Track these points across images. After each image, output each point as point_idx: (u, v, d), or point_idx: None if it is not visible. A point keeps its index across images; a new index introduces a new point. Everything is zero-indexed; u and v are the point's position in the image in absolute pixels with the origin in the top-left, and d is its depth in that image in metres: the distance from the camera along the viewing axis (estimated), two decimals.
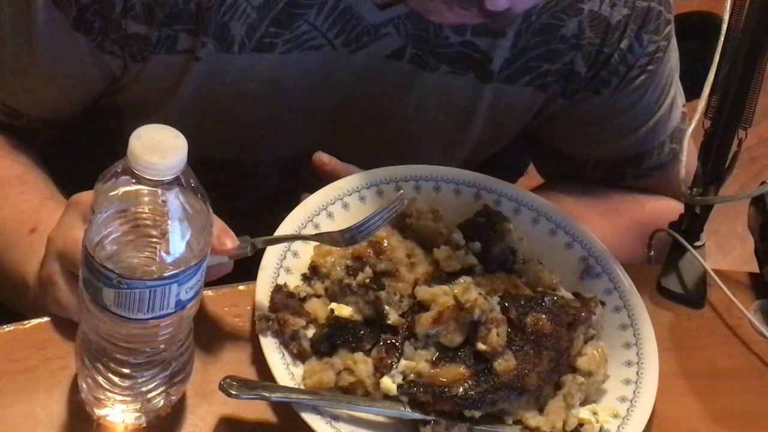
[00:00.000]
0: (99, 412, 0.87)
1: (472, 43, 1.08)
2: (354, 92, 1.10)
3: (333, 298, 0.96)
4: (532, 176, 1.33)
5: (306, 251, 0.99)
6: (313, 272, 0.98)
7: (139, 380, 0.84)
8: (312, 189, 1.03)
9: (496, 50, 1.09)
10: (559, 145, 1.22)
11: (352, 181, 1.03)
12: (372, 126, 1.13)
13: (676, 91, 1.19)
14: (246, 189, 1.19)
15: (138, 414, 0.87)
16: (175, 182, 0.76)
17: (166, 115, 1.07)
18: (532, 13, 1.07)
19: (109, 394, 0.85)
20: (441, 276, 0.97)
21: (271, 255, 0.97)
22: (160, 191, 0.76)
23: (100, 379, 0.85)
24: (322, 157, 1.05)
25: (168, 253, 0.78)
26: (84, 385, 0.86)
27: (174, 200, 0.77)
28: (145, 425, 0.88)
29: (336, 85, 1.09)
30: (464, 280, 0.96)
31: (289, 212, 1.00)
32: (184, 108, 1.08)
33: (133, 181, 0.76)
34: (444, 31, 1.07)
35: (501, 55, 1.09)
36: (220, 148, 1.13)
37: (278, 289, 0.95)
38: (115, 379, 0.84)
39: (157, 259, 0.78)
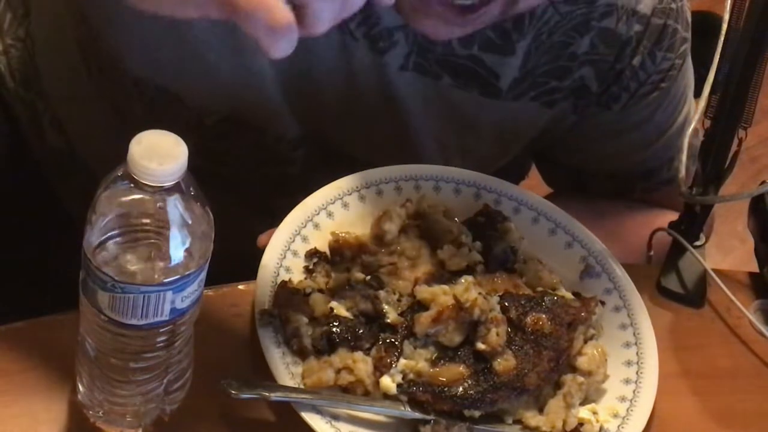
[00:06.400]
0: (96, 415, 0.87)
1: (479, 58, 1.08)
2: (366, 89, 1.09)
3: (333, 293, 0.96)
4: (532, 178, 1.33)
5: (306, 250, 0.99)
6: (318, 258, 0.98)
7: (136, 386, 0.84)
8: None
9: (505, 68, 1.08)
10: (569, 160, 1.22)
11: (352, 180, 1.04)
12: (381, 125, 1.12)
13: (690, 107, 1.18)
14: (259, 164, 1.17)
15: (134, 420, 0.87)
16: (175, 189, 0.76)
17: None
18: (543, 32, 1.07)
19: (106, 399, 0.85)
20: (443, 276, 0.97)
21: (272, 254, 0.97)
22: (159, 197, 0.76)
23: (97, 382, 0.85)
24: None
25: (165, 259, 0.78)
26: (81, 388, 0.86)
27: (173, 207, 0.77)
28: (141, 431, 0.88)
29: (350, 75, 1.08)
30: (465, 279, 0.96)
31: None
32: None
33: (133, 186, 0.76)
34: (452, 43, 1.06)
35: (510, 74, 1.09)
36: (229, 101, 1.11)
37: (283, 285, 0.95)
38: (112, 383, 0.84)
39: (154, 265, 0.78)
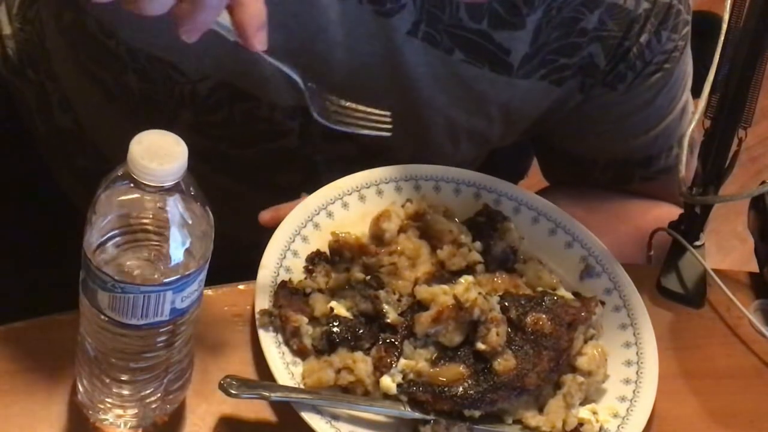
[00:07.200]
0: (96, 416, 0.87)
1: (487, 34, 1.07)
2: (372, 59, 1.08)
3: (333, 293, 0.96)
4: (532, 177, 1.33)
5: (306, 250, 0.99)
6: (318, 258, 0.98)
7: (136, 386, 0.84)
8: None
9: (515, 43, 1.08)
10: (570, 146, 1.21)
11: (352, 180, 1.04)
12: (387, 99, 1.10)
13: (688, 97, 1.19)
14: (260, 136, 1.16)
15: (134, 420, 0.87)
16: (175, 189, 0.76)
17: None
18: (553, 7, 1.07)
19: (106, 399, 0.85)
20: (443, 276, 0.97)
21: (272, 254, 0.97)
22: (159, 197, 0.76)
23: (96, 383, 0.85)
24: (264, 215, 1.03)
25: (165, 259, 0.78)
26: (81, 388, 0.86)
27: (173, 207, 0.77)
28: (141, 431, 0.88)
29: (355, 44, 1.07)
30: (465, 279, 0.96)
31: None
32: None
33: (133, 186, 0.76)
34: (459, 14, 1.06)
35: (521, 50, 1.09)
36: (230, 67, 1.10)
37: (283, 285, 0.95)
38: (112, 383, 0.84)
39: (154, 265, 0.78)
